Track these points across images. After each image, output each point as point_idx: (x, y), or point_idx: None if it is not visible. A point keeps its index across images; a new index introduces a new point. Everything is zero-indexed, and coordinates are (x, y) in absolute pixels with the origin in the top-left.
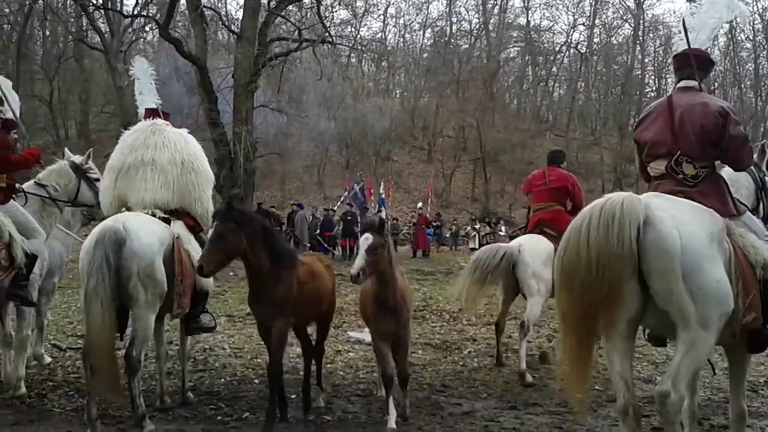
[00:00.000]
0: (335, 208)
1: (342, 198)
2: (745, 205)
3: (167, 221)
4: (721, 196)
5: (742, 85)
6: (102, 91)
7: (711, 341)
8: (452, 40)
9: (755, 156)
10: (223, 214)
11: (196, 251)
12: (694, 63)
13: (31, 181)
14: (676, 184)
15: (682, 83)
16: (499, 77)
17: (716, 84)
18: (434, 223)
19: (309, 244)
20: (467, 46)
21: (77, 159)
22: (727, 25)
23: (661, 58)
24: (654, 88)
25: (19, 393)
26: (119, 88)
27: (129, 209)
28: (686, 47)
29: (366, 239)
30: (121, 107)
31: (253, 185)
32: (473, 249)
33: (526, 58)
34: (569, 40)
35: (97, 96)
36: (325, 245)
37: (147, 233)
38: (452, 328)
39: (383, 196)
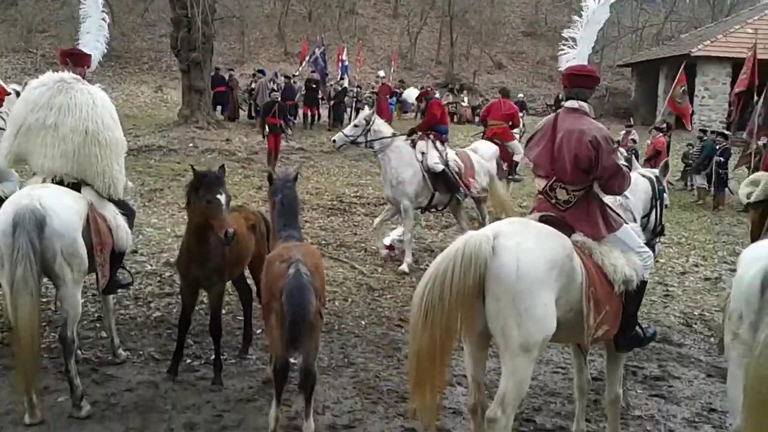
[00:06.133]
0: (296, 73)
1: (303, 63)
2: (632, 217)
3: (77, 186)
4: (591, 218)
5: None
6: None
7: (531, 366)
8: None
9: (659, 171)
10: None
11: (112, 214)
12: (580, 82)
13: None
14: (550, 206)
15: (569, 103)
16: None
17: None
18: (397, 90)
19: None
20: None
21: (19, 87)
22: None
23: None
24: None
25: None
26: None
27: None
28: (573, 62)
29: None
30: None
31: (212, 49)
32: None
33: None
34: None
35: None
36: (286, 115)
37: (65, 209)
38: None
39: (347, 63)
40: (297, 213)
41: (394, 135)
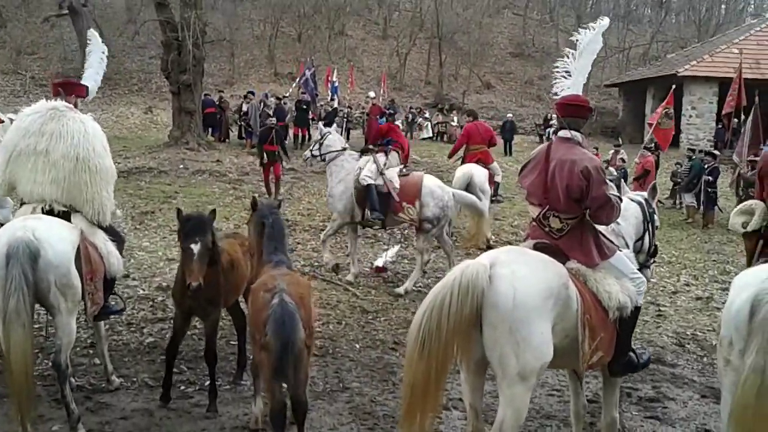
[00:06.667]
0: (287, 94)
1: (294, 84)
2: (624, 242)
3: (67, 214)
4: (584, 246)
5: None
6: None
7: (529, 394)
8: None
9: (647, 193)
10: None
11: (102, 241)
12: (573, 112)
13: None
14: (544, 234)
15: (562, 133)
16: None
17: None
18: (388, 111)
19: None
20: None
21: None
22: None
23: None
24: None
25: None
26: None
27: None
28: (567, 92)
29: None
30: None
31: (202, 71)
32: (425, 139)
33: None
34: None
35: None
36: (283, 141)
37: (59, 241)
38: (403, 256)
39: (337, 84)
40: (285, 237)
41: (344, 149)
